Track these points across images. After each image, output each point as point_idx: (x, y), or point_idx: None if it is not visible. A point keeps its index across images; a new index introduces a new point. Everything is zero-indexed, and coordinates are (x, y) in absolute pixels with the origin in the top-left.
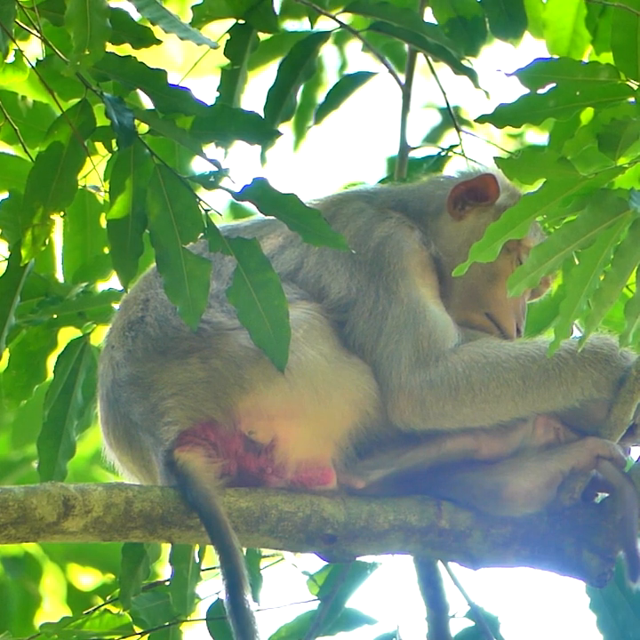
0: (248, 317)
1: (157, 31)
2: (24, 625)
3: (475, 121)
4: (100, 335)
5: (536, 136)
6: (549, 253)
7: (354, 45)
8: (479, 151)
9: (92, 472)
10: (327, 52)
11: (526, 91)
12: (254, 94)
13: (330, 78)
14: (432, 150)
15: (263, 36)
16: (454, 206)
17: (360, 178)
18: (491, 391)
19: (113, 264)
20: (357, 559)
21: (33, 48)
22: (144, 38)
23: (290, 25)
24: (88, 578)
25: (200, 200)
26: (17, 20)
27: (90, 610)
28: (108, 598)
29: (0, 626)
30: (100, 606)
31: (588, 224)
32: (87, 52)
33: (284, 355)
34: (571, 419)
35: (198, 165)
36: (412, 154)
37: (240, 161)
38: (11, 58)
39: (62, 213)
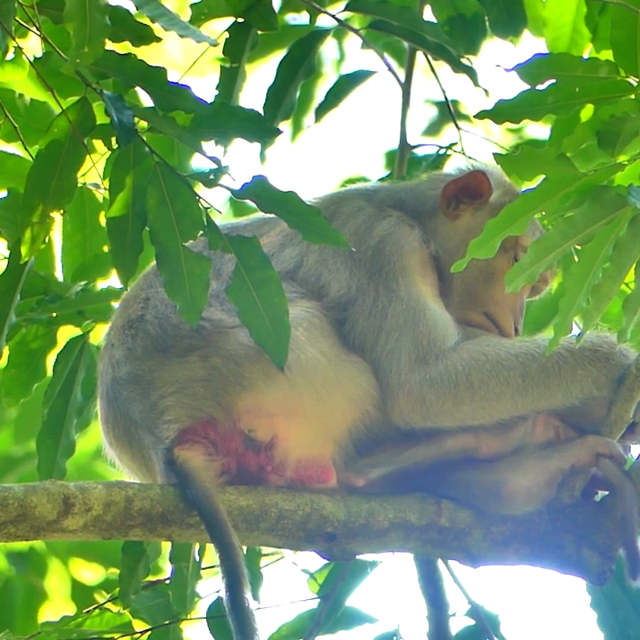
0: (248, 315)
1: (157, 29)
2: (28, 620)
3: (474, 117)
4: (99, 334)
5: (537, 129)
6: (548, 249)
7: (353, 39)
8: (480, 147)
9: (94, 467)
10: (326, 45)
11: (526, 86)
12: (254, 91)
13: (328, 71)
14: (432, 148)
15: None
16: (448, 206)
17: (360, 173)
18: (490, 389)
19: (113, 262)
20: (357, 557)
21: (32, 45)
22: (144, 36)
23: (290, 18)
24: (92, 573)
25: (200, 198)
26: (16, 18)
27: (90, 608)
28: (108, 597)
29: (5, 621)
30: (101, 605)
31: (586, 220)
32: (86, 50)
33: (284, 353)
34: (570, 417)
35: (198, 163)
36: (412, 151)
37: (240, 159)
38: (10, 55)
39: (62, 211)
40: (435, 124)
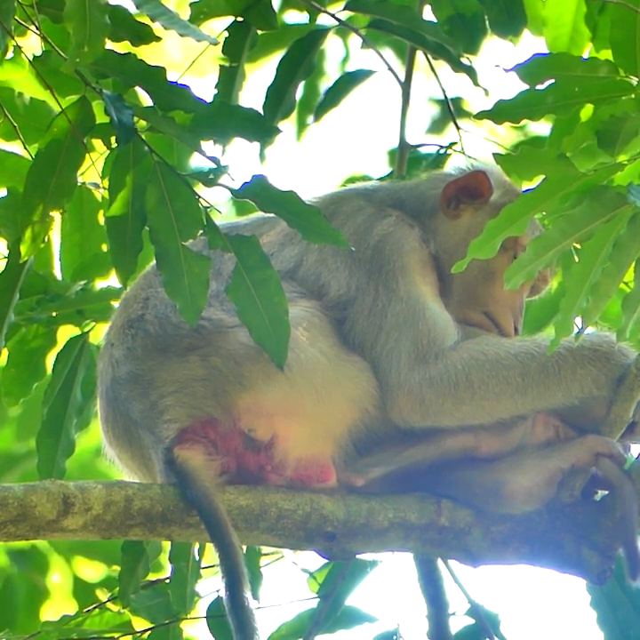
0: (247, 315)
1: (157, 29)
2: (30, 618)
3: (474, 117)
4: (99, 333)
5: (542, 126)
6: (547, 247)
7: (357, 38)
8: (483, 145)
9: (96, 464)
10: (330, 43)
11: (525, 86)
12: (254, 90)
13: (333, 69)
14: (433, 147)
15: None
16: (448, 205)
17: (363, 171)
18: (490, 389)
19: (112, 261)
20: (357, 557)
21: (32, 44)
22: (143, 35)
23: (291, 16)
24: (94, 570)
25: (199, 197)
26: (16, 17)
27: (90, 608)
28: (108, 596)
29: (6, 619)
30: (101, 604)
31: (585, 217)
32: (86, 49)
33: (284, 352)
34: (570, 416)
35: (197, 162)
36: (412, 149)
37: (241, 158)
38: (9, 54)
39: (62, 210)
40: (438, 121)
